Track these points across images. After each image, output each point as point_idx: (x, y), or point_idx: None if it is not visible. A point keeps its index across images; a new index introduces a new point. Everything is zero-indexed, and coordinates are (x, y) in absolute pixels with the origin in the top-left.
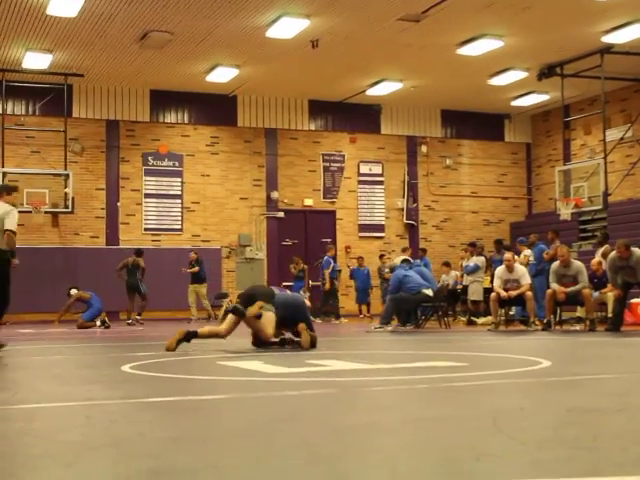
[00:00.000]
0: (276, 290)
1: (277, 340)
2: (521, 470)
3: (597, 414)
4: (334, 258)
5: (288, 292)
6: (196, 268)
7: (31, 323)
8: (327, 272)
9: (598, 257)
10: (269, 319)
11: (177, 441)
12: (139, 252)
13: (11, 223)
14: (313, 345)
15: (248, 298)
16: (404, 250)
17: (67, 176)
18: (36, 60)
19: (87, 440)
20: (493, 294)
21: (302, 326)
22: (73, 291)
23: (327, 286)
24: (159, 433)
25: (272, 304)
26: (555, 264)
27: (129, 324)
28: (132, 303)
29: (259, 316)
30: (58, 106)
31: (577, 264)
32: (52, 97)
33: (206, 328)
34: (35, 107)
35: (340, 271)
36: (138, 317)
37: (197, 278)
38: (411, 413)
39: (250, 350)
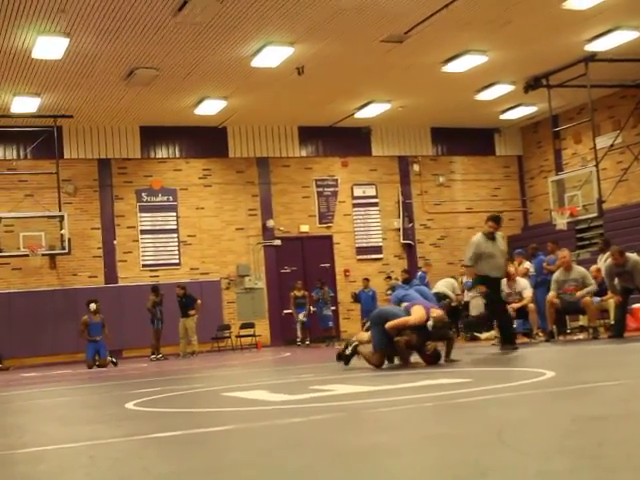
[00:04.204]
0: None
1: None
2: None
3: (602, 422)
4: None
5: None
6: (194, 308)
7: (34, 367)
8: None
9: (601, 264)
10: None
11: (182, 475)
12: (152, 288)
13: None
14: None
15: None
16: None
17: (62, 217)
18: (24, 104)
19: (91, 479)
20: None
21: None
22: (92, 306)
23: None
24: (164, 468)
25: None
26: (557, 272)
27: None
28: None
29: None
30: (49, 148)
31: (579, 269)
32: (42, 140)
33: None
34: (26, 151)
35: (332, 296)
36: (152, 355)
37: (185, 312)
38: (416, 432)
39: (252, 380)
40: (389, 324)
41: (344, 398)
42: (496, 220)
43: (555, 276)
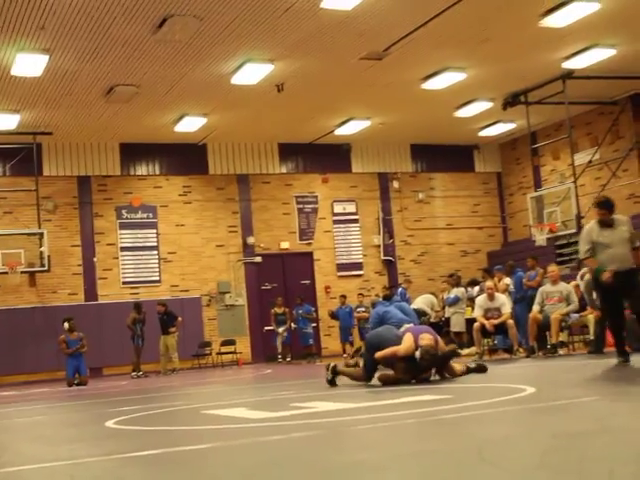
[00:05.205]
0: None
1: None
2: None
3: (582, 438)
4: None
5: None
6: (175, 326)
7: (14, 385)
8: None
9: (579, 280)
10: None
11: None
12: (135, 305)
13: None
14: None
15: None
16: None
17: (41, 235)
18: (3, 121)
19: None
20: (476, 324)
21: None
22: (65, 325)
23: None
24: None
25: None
26: (545, 285)
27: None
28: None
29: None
30: (28, 165)
31: (565, 284)
32: (22, 157)
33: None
34: (5, 168)
35: (314, 313)
36: (132, 373)
37: (165, 329)
38: (397, 449)
39: (235, 397)
40: (378, 354)
41: (325, 415)
42: (602, 205)
43: (541, 288)
